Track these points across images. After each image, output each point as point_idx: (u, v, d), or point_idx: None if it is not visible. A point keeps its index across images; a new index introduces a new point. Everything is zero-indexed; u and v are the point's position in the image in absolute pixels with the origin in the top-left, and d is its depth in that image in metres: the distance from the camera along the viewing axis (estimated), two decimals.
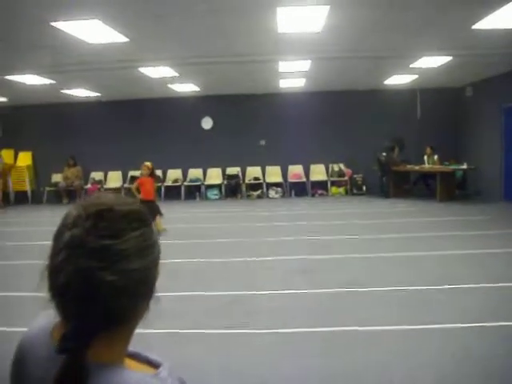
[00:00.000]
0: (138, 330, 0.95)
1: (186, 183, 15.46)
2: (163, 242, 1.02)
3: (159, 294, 0.95)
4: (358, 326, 4.35)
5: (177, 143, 15.31)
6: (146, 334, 1.65)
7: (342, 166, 15.58)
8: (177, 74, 11.08)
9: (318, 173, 15.61)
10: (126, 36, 7.63)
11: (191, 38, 8.13)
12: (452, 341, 4.01)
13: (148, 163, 9.58)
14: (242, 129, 15.41)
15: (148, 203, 8.57)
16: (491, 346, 3.86)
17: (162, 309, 0.98)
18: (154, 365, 0.96)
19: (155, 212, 8.91)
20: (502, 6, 6.58)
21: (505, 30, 7.80)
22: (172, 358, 1.06)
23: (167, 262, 1.02)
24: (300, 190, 15.44)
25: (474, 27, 7.70)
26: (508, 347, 3.85)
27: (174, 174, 15.61)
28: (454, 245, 7.73)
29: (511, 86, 12.42)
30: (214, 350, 4.02)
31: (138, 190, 9.40)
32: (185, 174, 15.66)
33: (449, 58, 10.27)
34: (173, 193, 15.29)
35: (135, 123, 15.43)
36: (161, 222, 9.19)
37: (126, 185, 14.76)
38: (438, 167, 13.74)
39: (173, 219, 10.56)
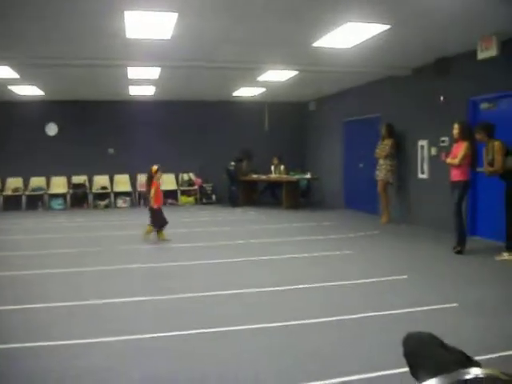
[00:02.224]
0: None
1: (27, 192, 14.51)
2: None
3: None
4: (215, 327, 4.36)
5: (18, 150, 14.33)
6: None
7: (191, 175, 15.66)
8: (17, 76, 10.40)
9: (168, 182, 15.50)
10: None
11: (34, 38, 7.69)
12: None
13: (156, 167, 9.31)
14: (89, 136, 14.85)
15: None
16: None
17: None
18: None
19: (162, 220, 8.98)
20: (337, 27, 7.08)
21: (341, 49, 8.39)
22: None
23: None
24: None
25: (314, 45, 8.18)
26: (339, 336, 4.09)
27: (14, 183, 14.57)
28: (295, 249, 8.11)
29: (351, 102, 13.40)
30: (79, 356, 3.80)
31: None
32: (26, 183, 14.70)
33: (294, 73, 10.82)
34: (12, 203, 14.26)
35: None
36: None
37: None
38: (283, 177, 14.35)
39: (9, 231, 9.86)
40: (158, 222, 9.09)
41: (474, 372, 1.47)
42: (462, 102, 9.01)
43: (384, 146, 10.88)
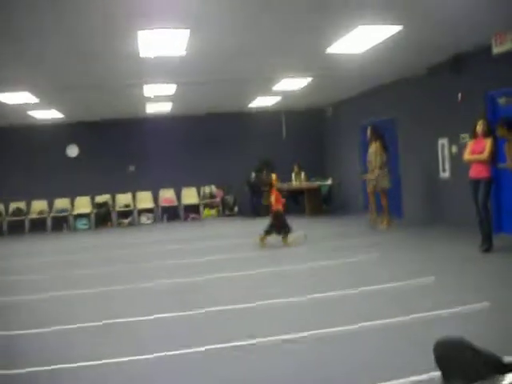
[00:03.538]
0: None
1: (52, 214, 14.70)
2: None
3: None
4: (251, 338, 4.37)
5: (41, 173, 14.56)
6: None
7: (213, 187, 15.72)
8: (37, 100, 10.57)
9: (190, 196, 15.61)
10: None
11: (51, 61, 7.83)
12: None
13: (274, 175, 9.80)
14: (109, 155, 15.05)
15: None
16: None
17: None
18: None
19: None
20: (349, 31, 7.07)
21: (355, 54, 8.39)
22: None
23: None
24: (172, 214, 15.34)
25: (327, 51, 8.19)
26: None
27: (38, 206, 14.78)
28: (323, 256, 8.10)
29: (367, 105, 13.35)
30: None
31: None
32: (51, 205, 14.90)
33: (308, 80, 10.81)
34: (38, 225, 14.48)
35: None
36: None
37: None
38: (304, 184, 14.32)
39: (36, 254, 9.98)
40: (283, 226, 9.34)
41: (510, 378, 1.45)
42: (480, 98, 8.93)
43: (376, 156, 10.47)
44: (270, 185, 9.71)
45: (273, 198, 9.46)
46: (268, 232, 9.36)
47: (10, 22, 5.76)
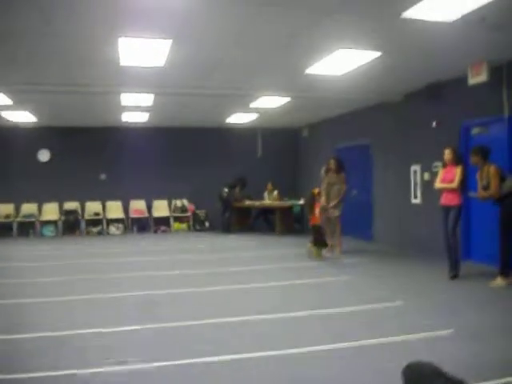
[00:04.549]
0: None
1: (18, 219, 14.40)
2: None
3: None
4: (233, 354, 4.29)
5: (9, 176, 14.26)
6: None
7: (185, 201, 15.61)
8: (10, 102, 10.39)
9: (161, 208, 15.48)
10: None
11: (27, 63, 7.72)
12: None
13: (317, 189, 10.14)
14: (81, 162, 14.83)
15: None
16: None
17: None
18: None
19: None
20: (330, 54, 7.15)
21: (333, 76, 8.47)
22: None
23: None
24: (142, 225, 15.17)
25: (306, 72, 8.25)
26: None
27: (5, 209, 14.46)
28: (287, 276, 8.08)
29: (343, 128, 13.48)
30: None
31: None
32: (18, 210, 14.59)
33: (287, 100, 10.87)
34: (3, 229, 14.14)
35: None
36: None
37: None
38: (276, 203, 14.33)
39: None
40: (322, 238, 9.76)
41: None
42: (454, 127, 9.08)
43: (335, 189, 10.23)
44: (313, 199, 10.01)
45: (317, 212, 9.86)
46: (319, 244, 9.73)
47: None
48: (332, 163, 10.39)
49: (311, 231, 9.98)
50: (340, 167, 10.36)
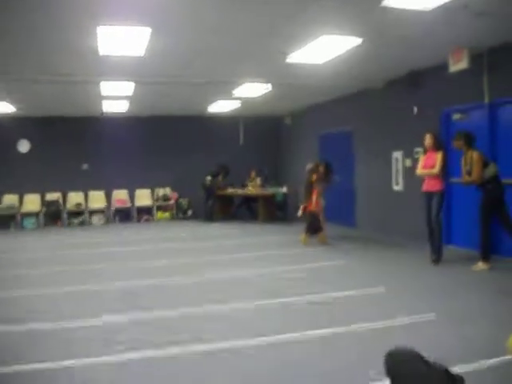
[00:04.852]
0: None
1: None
2: None
3: None
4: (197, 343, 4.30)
5: None
6: None
7: (167, 190, 15.56)
8: None
9: (144, 197, 15.41)
10: None
11: (4, 52, 7.59)
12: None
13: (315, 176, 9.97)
14: (62, 152, 14.67)
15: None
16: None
17: None
18: None
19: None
20: (312, 40, 7.12)
21: (315, 64, 8.45)
22: None
23: None
24: (125, 215, 15.09)
25: (288, 60, 8.21)
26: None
27: None
28: (269, 263, 8.11)
29: (325, 116, 13.50)
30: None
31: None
32: None
33: (269, 87, 10.81)
34: None
35: None
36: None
37: None
38: (259, 191, 14.34)
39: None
40: (316, 226, 9.84)
41: None
42: (435, 114, 9.14)
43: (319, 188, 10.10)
44: (311, 185, 9.95)
45: (314, 199, 9.84)
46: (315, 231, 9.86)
47: None
48: (320, 169, 10.18)
49: (305, 218, 10.04)
50: (330, 172, 10.33)
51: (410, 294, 5.98)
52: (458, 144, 7.41)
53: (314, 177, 9.96)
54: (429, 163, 7.66)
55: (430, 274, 7.07)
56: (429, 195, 7.67)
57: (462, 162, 7.41)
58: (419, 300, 5.68)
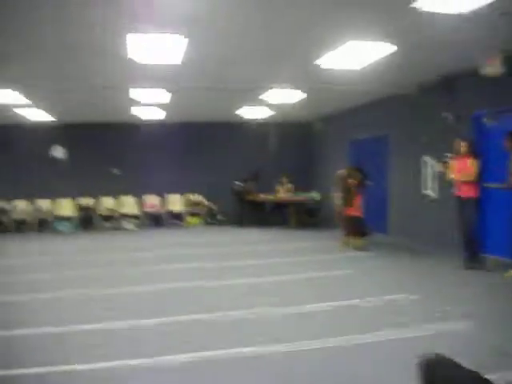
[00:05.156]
0: None
1: (34, 215, 14.50)
2: None
3: None
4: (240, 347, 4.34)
5: (23, 173, 14.42)
6: None
7: (198, 195, 15.67)
8: (25, 100, 10.48)
9: (175, 203, 15.56)
10: None
11: (40, 60, 7.80)
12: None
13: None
14: (95, 158, 14.95)
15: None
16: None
17: None
18: None
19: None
20: (341, 45, 7.12)
21: (347, 70, 8.45)
22: None
23: None
24: (156, 220, 15.25)
25: (321, 66, 8.23)
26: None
27: (21, 206, 14.58)
28: (299, 269, 8.13)
29: (356, 121, 13.45)
30: None
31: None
32: (34, 206, 14.70)
33: (300, 93, 10.83)
34: (19, 226, 14.28)
35: None
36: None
37: None
38: (290, 196, 14.34)
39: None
40: (362, 229, 9.96)
41: None
42: (467, 118, 9.03)
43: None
44: (351, 190, 10.05)
45: (357, 203, 9.96)
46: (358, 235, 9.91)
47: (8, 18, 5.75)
48: (357, 174, 10.31)
49: (346, 222, 10.08)
50: (365, 177, 10.40)
51: (444, 301, 5.92)
52: (509, 145, 7.27)
53: (353, 181, 10.03)
54: (463, 168, 7.58)
55: (464, 281, 6.99)
56: (462, 200, 7.58)
57: (510, 164, 7.22)
58: (453, 307, 5.62)
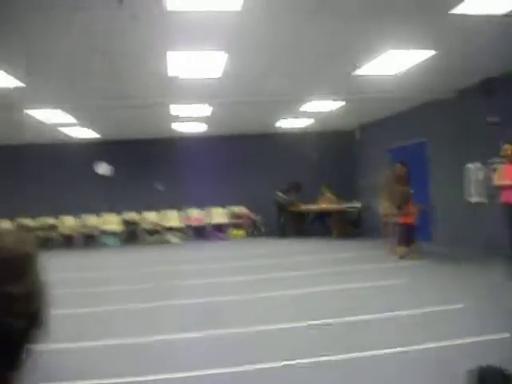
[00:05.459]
0: None
1: (82, 231, 14.89)
2: None
3: None
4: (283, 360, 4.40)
5: (68, 189, 14.85)
6: None
7: (241, 208, 15.76)
8: (72, 119, 10.87)
9: (218, 215, 15.69)
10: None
11: (81, 79, 8.10)
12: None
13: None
14: (139, 173, 15.26)
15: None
16: None
17: None
18: None
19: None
20: (381, 54, 7.15)
21: (385, 76, 8.45)
22: None
23: None
24: (200, 233, 15.41)
25: (358, 73, 8.26)
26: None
27: (68, 222, 15.04)
28: (343, 279, 8.09)
29: (395, 128, 13.34)
30: None
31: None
32: (80, 222, 15.11)
33: (338, 102, 10.86)
34: (66, 241, 14.71)
35: (20, 171, 14.84)
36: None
37: None
38: (332, 206, 14.27)
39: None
40: (410, 238, 9.72)
41: None
42: (509, 121, 8.86)
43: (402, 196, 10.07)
44: (406, 196, 9.87)
45: (411, 211, 9.77)
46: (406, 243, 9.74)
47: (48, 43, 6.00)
48: (401, 171, 10.22)
49: (399, 230, 9.91)
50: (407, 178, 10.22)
51: (490, 312, 5.77)
52: None
53: (403, 189, 9.87)
54: (510, 174, 7.41)
55: (510, 291, 6.83)
56: (510, 207, 7.41)
57: None
58: (500, 318, 5.50)
